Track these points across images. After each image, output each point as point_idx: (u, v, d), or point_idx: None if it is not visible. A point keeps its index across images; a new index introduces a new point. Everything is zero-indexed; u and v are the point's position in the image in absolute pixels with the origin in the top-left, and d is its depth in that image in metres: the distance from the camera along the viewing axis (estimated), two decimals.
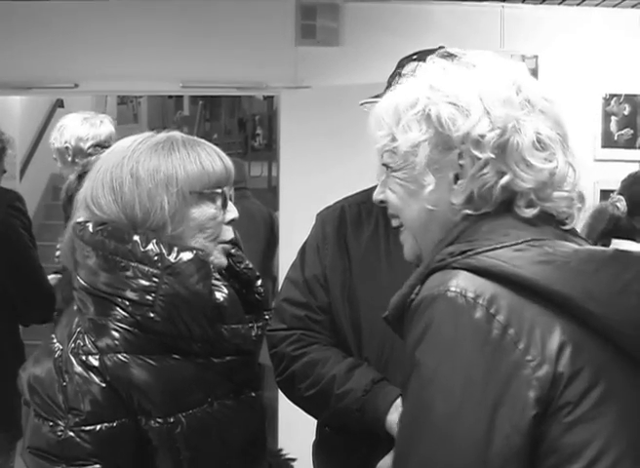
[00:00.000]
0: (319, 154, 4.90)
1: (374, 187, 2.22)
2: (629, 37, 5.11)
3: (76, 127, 3.70)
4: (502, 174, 1.30)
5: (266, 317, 1.77)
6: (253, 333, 1.68)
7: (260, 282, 1.80)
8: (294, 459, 1.95)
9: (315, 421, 2.20)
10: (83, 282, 1.61)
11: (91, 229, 1.60)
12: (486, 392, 1.17)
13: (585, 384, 1.19)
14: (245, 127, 11.53)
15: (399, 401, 1.91)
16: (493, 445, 1.16)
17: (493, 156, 1.29)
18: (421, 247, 1.44)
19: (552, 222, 1.35)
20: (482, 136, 1.30)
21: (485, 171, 1.30)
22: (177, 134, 1.69)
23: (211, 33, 5.14)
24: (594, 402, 1.19)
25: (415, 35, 4.77)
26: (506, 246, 1.25)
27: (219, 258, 1.67)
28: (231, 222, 1.70)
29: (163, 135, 1.68)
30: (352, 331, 2.06)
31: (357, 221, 2.15)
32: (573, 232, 1.39)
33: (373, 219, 2.13)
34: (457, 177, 1.33)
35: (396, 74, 2.02)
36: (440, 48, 2.07)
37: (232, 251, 1.76)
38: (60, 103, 8.30)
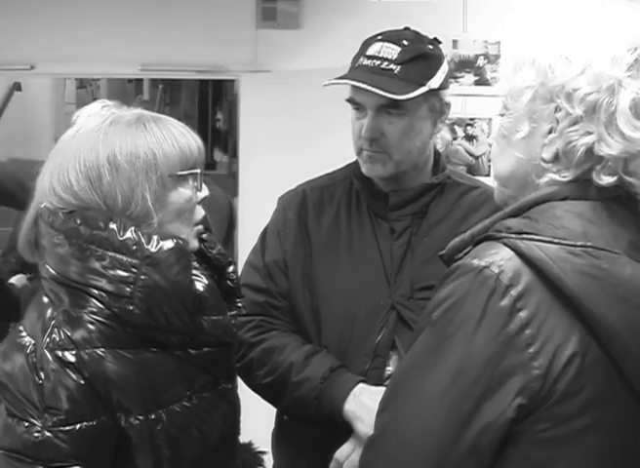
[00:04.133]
0: (279, 138, 4.86)
1: (336, 171, 2.20)
2: (592, 23, 5.12)
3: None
4: (589, 134, 1.25)
5: (239, 305, 1.72)
6: (233, 323, 1.64)
7: (232, 268, 1.75)
8: (264, 452, 1.92)
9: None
10: (52, 270, 1.54)
11: (62, 216, 1.53)
12: (480, 380, 1.17)
13: (575, 409, 1.17)
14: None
15: (357, 389, 1.89)
16: (468, 430, 1.16)
17: (581, 114, 1.25)
18: (508, 194, 1.40)
19: (634, 210, 1.28)
20: (574, 90, 1.25)
21: (574, 128, 1.26)
22: (144, 112, 1.62)
23: (170, 16, 5.08)
24: (577, 428, 1.17)
25: (375, 19, 4.74)
26: (563, 244, 1.20)
27: (190, 242, 1.61)
28: (202, 201, 1.65)
29: (130, 113, 1.60)
30: (312, 318, 2.04)
31: (319, 206, 2.12)
32: None
33: (335, 204, 2.10)
34: (550, 131, 1.30)
35: (360, 55, 1.98)
36: (405, 29, 2.05)
37: (204, 236, 1.72)
38: (17, 87, 8.16)
